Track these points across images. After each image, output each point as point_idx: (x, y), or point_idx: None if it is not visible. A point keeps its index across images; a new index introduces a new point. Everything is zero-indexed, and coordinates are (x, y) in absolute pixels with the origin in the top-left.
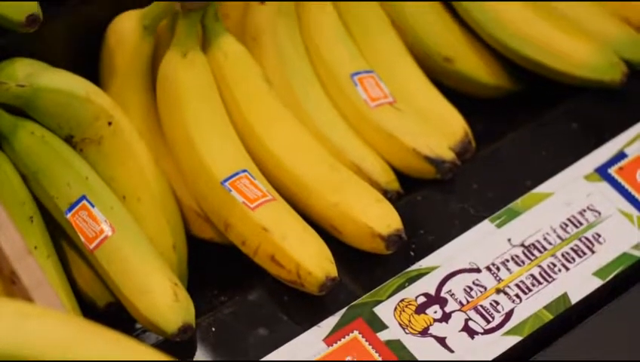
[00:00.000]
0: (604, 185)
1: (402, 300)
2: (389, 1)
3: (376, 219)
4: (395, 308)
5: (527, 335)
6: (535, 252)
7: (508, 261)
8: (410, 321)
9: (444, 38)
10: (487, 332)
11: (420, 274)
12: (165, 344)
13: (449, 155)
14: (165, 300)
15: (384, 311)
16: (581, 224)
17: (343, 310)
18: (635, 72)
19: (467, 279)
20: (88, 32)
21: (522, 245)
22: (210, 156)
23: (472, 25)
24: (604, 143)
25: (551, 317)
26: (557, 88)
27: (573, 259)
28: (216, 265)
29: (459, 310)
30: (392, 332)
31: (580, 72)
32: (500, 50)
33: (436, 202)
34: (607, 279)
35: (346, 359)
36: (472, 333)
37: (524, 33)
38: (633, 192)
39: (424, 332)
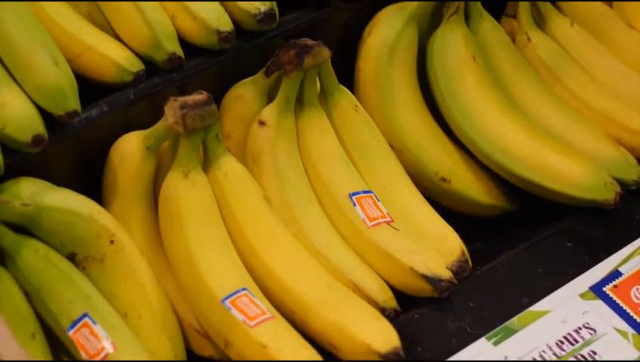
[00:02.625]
0: (600, 304)
1: None
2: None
3: (374, 336)
4: None
5: None
6: None
7: None
8: None
9: (440, 158)
10: None
11: None
12: None
13: (446, 274)
14: None
15: None
16: (577, 342)
17: None
18: (629, 191)
19: None
20: (92, 151)
21: None
22: (210, 274)
23: (467, 145)
24: (599, 262)
25: None
26: (552, 207)
27: None
28: None
29: None
30: None
31: (574, 191)
32: (495, 170)
33: (433, 320)
34: None
35: None
36: None
37: (519, 153)
38: (628, 310)
39: None
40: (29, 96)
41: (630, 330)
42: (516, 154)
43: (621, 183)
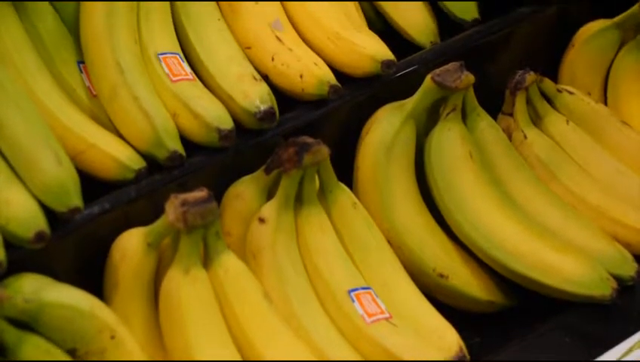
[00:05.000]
0: None
1: None
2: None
3: None
4: None
5: None
6: None
7: None
8: None
9: (438, 255)
10: None
11: None
12: None
13: None
14: None
15: None
16: None
17: None
18: (626, 286)
19: None
20: (93, 247)
21: None
22: None
23: (465, 241)
24: (597, 357)
25: None
26: (549, 302)
27: None
28: None
29: None
30: None
31: (570, 287)
32: (493, 266)
33: None
34: None
35: None
36: None
37: (516, 249)
38: None
39: None
40: (32, 193)
41: None
42: (513, 251)
43: (618, 279)
